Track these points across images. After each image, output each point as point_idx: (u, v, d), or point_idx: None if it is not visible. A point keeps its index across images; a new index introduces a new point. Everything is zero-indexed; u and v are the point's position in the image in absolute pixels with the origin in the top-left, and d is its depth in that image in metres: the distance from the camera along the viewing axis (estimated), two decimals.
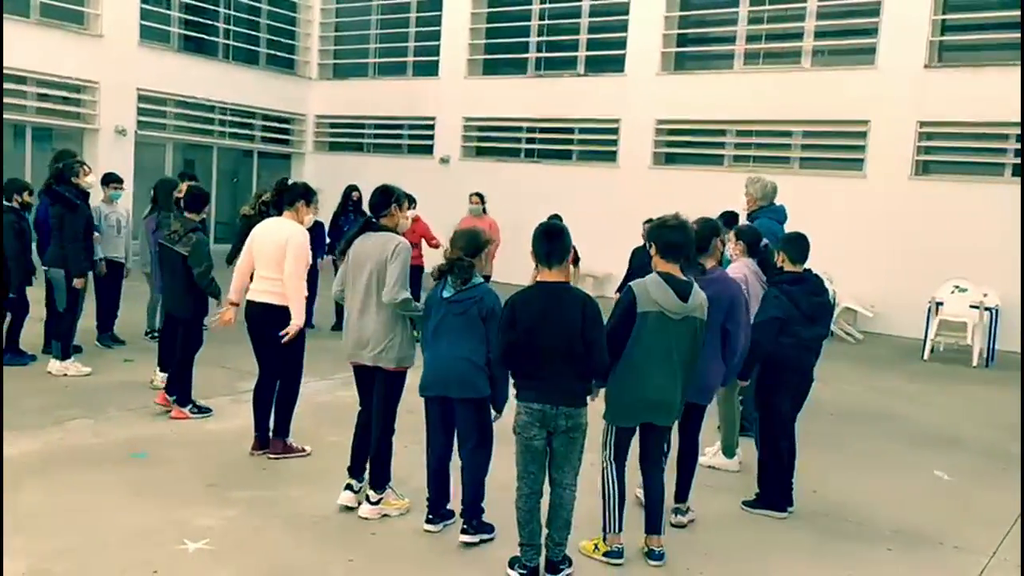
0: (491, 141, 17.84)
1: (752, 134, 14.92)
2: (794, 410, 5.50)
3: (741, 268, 6.21)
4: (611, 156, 16.15)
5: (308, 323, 10.02)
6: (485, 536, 4.49)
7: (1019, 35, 12.41)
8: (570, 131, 16.75)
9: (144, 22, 17.06)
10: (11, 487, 4.87)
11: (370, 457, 4.88)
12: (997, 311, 11.65)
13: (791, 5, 14.44)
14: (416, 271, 9.79)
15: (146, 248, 8.96)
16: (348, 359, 4.95)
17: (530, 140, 17.29)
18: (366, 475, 4.93)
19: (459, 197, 12.65)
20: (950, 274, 11.95)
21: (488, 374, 4.35)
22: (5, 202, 7.66)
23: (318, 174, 19.71)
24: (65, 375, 7.45)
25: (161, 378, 6.99)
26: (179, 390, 6.45)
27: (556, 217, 9.82)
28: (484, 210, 11.30)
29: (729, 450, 6.22)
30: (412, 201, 9.98)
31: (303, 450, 5.80)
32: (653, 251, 4.49)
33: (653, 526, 4.45)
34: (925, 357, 11.50)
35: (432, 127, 18.32)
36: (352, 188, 11.01)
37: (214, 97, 18.40)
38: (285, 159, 20.45)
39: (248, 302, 5.67)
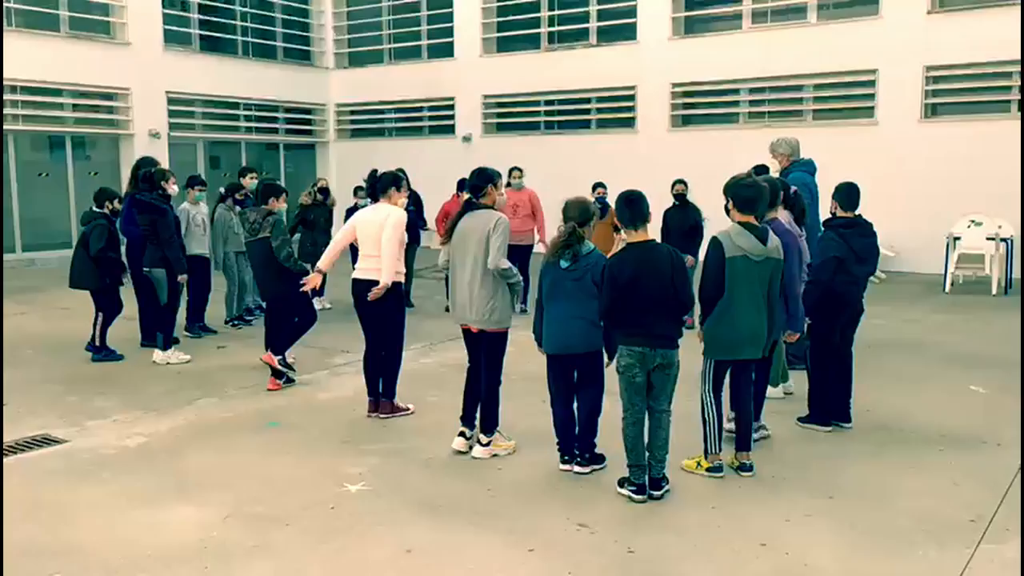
0: (511, 117, 18.47)
1: (765, 91, 15.53)
2: (849, 339, 6.22)
3: (783, 219, 6.90)
4: (629, 122, 16.77)
5: (408, 303, 10.85)
6: (597, 466, 5.23)
7: None
8: (587, 100, 17.36)
9: (167, 27, 17.68)
10: (177, 455, 5.66)
11: (480, 405, 5.61)
12: (1011, 242, 12.32)
13: None
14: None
15: (219, 243, 9.67)
16: (457, 322, 5.66)
17: (549, 112, 17.92)
18: (476, 423, 5.66)
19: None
20: (964, 210, 12.62)
21: (600, 328, 5.05)
22: (96, 208, 8.38)
23: (342, 161, 20.44)
24: (168, 363, 8.19)
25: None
26: (278, 344, 7.21)
27: (601, 185, 10.55)
28: (522, 184, 11.93)
29: (774, 380, 6.94)
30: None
31: (408, 409, 6.53)
32: (730, 205, 5.18)
33: (744, 443, 5.19)
34: (947, 290, 12.20)
35: (452, 107, 18.94)
36: (397, 172, 11.64)
37: (237, 94, 19.06)
38: (310, 149, 21.13)
39: (354, 280, 6.40)
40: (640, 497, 4.78)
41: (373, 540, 4.35)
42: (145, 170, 8.37)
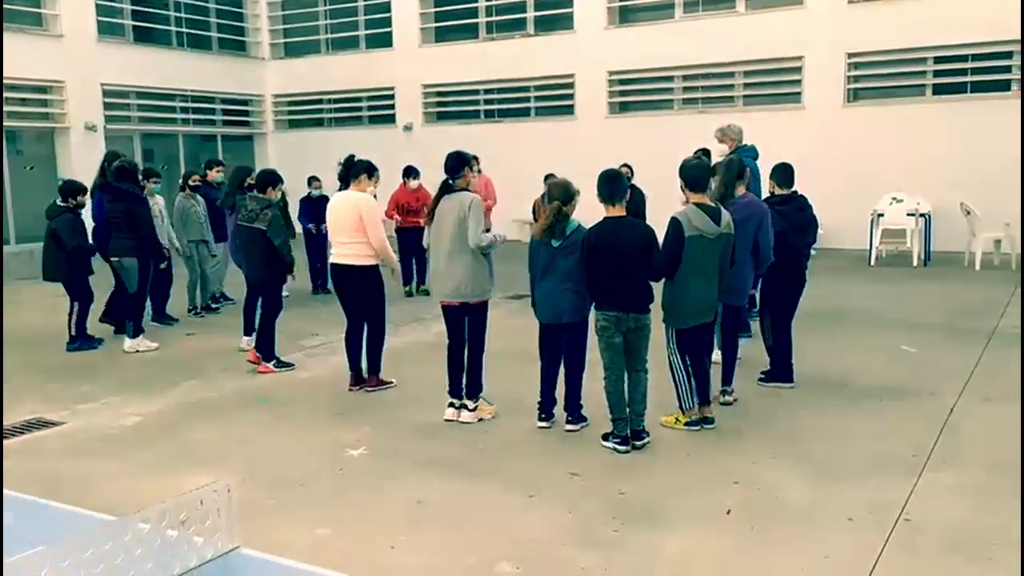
0: (451, 106, 18.78)
1: (697, 78, 16.19)
2: (793, 306, 6.80)
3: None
4: (568, 110, 17.27)
5: (324, 287, 11.09)
6: (584, 424, 5.69)
7: None
8: (526, 89, 17.79)
9: (100, 18, 17.44)
10: (180, 430, 5.92)
11: (466, 373, 6.00)
12: (929, 217, 13.23)
13: None
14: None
15: (181, 232, 9.79)
16: (439, 298, 6.04)
17: (488, 101, 18.28)
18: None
19: (426, 162, 13.65)
20: (885, 189, 13.48)
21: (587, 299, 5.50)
22: (61, 203, 8.46)
23: (281, 152, 20.46)
24: (137, 351, 8.33)
25: (247, 341, 7.98)
26: (264, 349, 7.46)
27: (551, 176, 10.96)
28: (479, 170, 12.27)
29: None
30: (415, 173, 11.07)
31: (391, 382, 6.89)
32: (684, 186, 5.68)
33: (704, 398, 5.70)
34: (872, 263, 13.04)
35: (392, 97, 19.15)
36: (349, 157, 11.89)
37: (173, 85, 18.86)
38: (247, 140, 21.05)
39: (332, 265, 6.72)
40: (624, 448, 5.25)
41: (384, 494, 4.72)
42: (120, 161, 8.47)
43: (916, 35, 14.02)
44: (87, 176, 11.74)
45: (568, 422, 5.68)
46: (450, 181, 5.96)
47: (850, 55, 14.75)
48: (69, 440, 5.77)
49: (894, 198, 13.24)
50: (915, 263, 12.86)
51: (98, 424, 6.10)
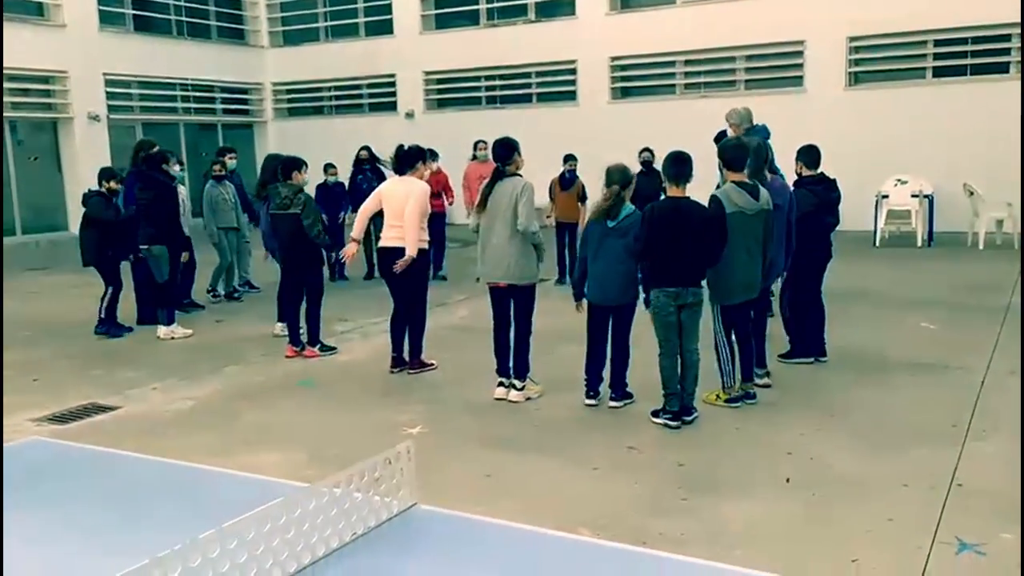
0: (453, 92, 18.87)
1: (699, 62, 16.35)
2: (820, 282, 7.00)
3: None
4: (571, 96, 17.40)
5: (342, 274, 11.23)
6: (628, 401, 5.88)
7: None
8: (528, 75, 17.90)
9: (101, 7, 17.39)
10: (231, 415, 6.06)
11: (513, 354, 6.17)
12: (932, 198, 13.49)
13: None
14: (439, 217, 10.96)
15: (210, 220, 9.89)
16: (487, 280, 6.19)
17: (490, 88, 18.39)
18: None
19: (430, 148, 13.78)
20: (887, 171, 13.72)
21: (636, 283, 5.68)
22: (95, 188, 8.55)
23: (280, 140, 20.44)
24: (172, 338, 8.44)
25: (280, 327, 8.11)
26: (311, 332, 7.59)
27: (572, 158, 11.11)
28: (488, 156, 12.38)
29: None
30: (435, 155, 11.15)
31: (433, 364, 7.04)
32: (723, 165, 5.87)
33: (747, 375, 5.90)
34: (877, 244, 13.29)
35: (393, 84, 19.21)
36: (362, 148, 12.04)
37: (173, 74, 18.86)
38: (247, 128, 21.05)
39: (380, 248, 6.87)
40: (675, 423, 5.44)
41: (453, 469, 4.88)
42: (148, 151, 8.55)
43: (916, 19, 14.24)
44: (92, 166, 11.79)
45: (612, 399, 5.87)
46: (502, 167, 6.10)
47: (851, 39, 14.96)
48: (130, 423, 5.89)
49: (898, 179, 13.48)
50: (919, 243, 13.12)
51: (154, 409, 6.23)
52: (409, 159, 6.81)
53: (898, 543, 3.88)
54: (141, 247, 8.45)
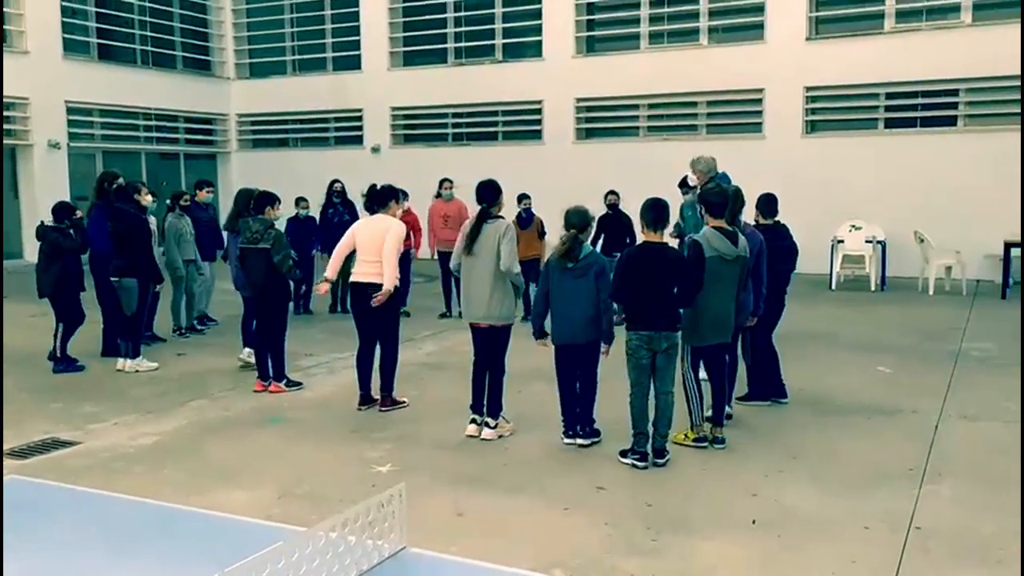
0: (420, 129, 19.03)
1: (662, 107, 16.73)
2: (772, 328, 7.19)
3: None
4: (536, 135, 17.66)
5: (307, 308, 11.22)
6: (595, 439, 5.96)
7: (882, 7, 14.70)
8: (494, 114, 18.13)
9: (65, 35, 17.30)
10: (197, 450, 6.01)
11: (487, 393, 6.22)
12: (885, 244, 13.89)
13: None
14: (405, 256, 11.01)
15: (174, 251, 9.81)
16: (468, 319, 6.25)
17: (456, 125, 18.58)
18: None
19: (395, 184, 13.83)
20: (844, 216, 14.11)
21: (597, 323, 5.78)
22: (53, 224, 8.45)
23: (244, 172, 20.42)
24: (137, 371, 8.34)
25: (247, 353, 8.09)
26: (276, 368, 7.56)
27: (526, 197, 11.21)
28: (452, 195, 12.49)
29: None
30: (405, 195, 11.19)
31: (404, 402, 7.05)
32: (705, 211, 6.04)
33: (718, 419, 6.02)
34: (833, 287, 13.63)
35: (360, 118, 19.32)
36: (333, 181, 12.08)
37: (137, 103, 18.78)
38: (211, 159, 20.97)
39: (352, 284, 6.90)
40: (643, 464, 5.53)
41: (425, 508, 4.87)
42: (112, 182, 8.51)
43: (869, 72, 14.77)
44: (50, 193, 11.62)
45: (580, 436, 5.95)
46: (488, 209, 6.19)
47: (808, 89, 15.43)
48: (91, 459, 5.81)
49: (853, 225, 13.88)
50: (873, 288, 13.48)
51: (116, 444, 6.15)
52: (382, 198, 6.89)
53: None
54: (111, 279, 8.38)
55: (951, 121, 14.74)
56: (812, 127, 15.67)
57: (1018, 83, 14.12)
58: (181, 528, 2.42)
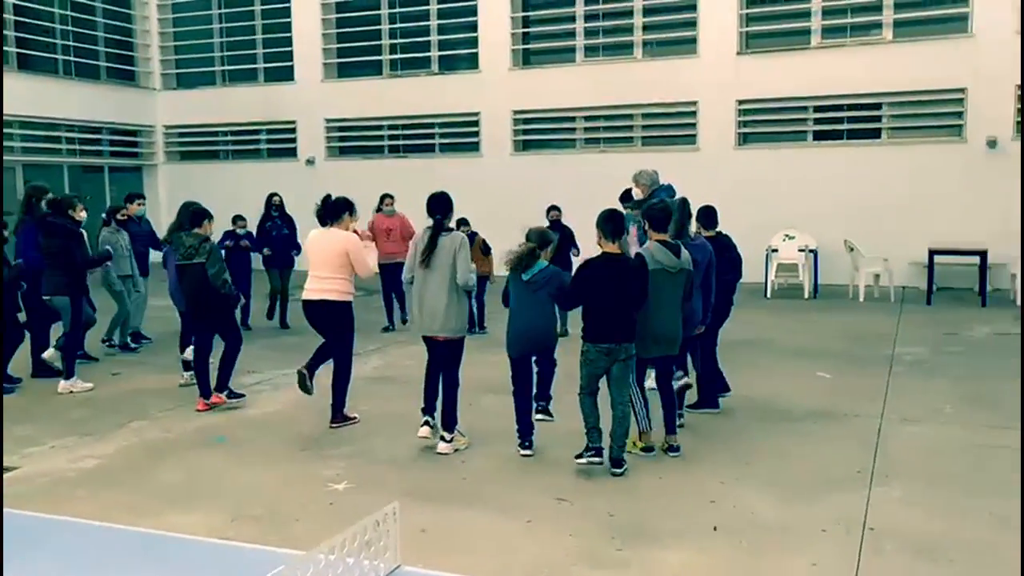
0: (355, 141, 18.84)
1: (599, 119, 16.91)
2: (715, 337, 7.32)
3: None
4: (474, 147, 17.66)
5: (245, 323, 10.98)
6: (548, 417, 6.13)
7: (809, 23, 15.17)
8: (431, 126, 18.08)
9: None
10: (142, 473, 5.80)
11: (441, 408, 6.17)
12: (817, 253, 14.28)
13: (620, 4, 16.49)
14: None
15: (111, 267, 9.48)
16: (422, 332, 6.19)
17: (393, 137, 18.46)
18: (437, 415, 6.23)
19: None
20: (778, 226, 14.46)
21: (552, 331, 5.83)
22: None
23: (172, 184, 19.95)
24: (71, 392, 8.02)
25: (187, 376, 7.86)
26: (222, 378, 7.37)
27: (465, 221, 11.17)
28: (394, 210, 12.31)
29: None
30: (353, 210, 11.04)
31: (355, 419, 6.92)
32: (647, 226, 6.11)
33: (671, 428, 6.08)
34: (768, 295, 13.94)
35: (294, 130, 19.04)
36: (272, 195, 11.87)
37: (59, 115, 18.16)
38: (136, 171, 20.39)
39: (306, 301, 6.76)
40: (599, 459, 5.56)
41: None
42: (42, 197, 8.20)
43: (798, 86, 15.19)
44: None
45: (539, 411, 6.11)
46: (442, 221, 6.15)
47: (740, 102, 15.79)
48: (31, 485, 5.56)
49: (786, 235, 14.23)
50: (806, 295, 13.83)
51: (55, 468, 5.90)
52: (336, 210, 6.77)
53: None
54: (44, 297, 8.07)
55: (876, 134, 15.26)
56: (744, 139, 16.03)
57: (934, 99, 14.78)
58: (167, 554, 2.33)
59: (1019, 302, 12.43)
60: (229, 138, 20.04)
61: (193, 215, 7.59)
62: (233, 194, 15.32)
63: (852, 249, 13.75)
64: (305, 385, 6.70)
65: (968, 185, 14.12)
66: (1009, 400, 7.29)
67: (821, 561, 4.33)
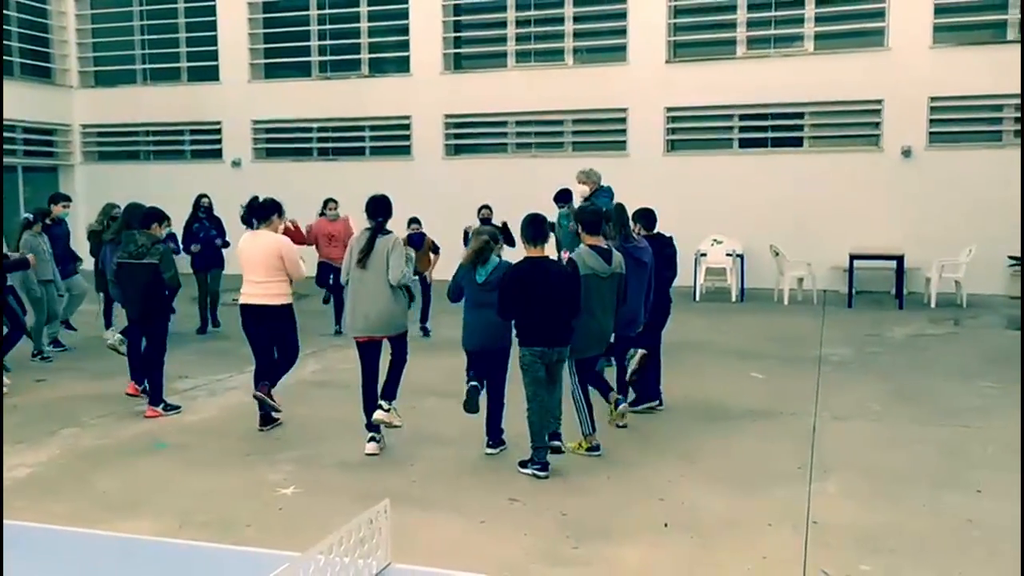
0: (283, 143, 18.54)
1: (530, 124, 17.04)
2: (659, 332, 7.49)
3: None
4: (405, 150, 17.57)
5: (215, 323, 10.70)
6: (503, 448, 6.03)
7: (735, 34, 15.60)
8: (362, 128, 17.92)
9: None
10: (83, 480, 5.62)
11: (386, 381, 6.11)
12: (743, 257, 14.68)
13: (552, 11, 16.66)
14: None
15: (33, 273, 9.12)
16: (359, 334, 6.14)
17: (322, 140, 18.23)
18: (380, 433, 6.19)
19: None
20: (706, 231, 14.81)
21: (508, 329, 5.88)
22: None
23: (90, 185, 19.30)
24: None
25: (111, 332, 7.72)
26: (152, 391, 7.17)
27: (416, 220, 11.17)
28: (338, 215, 12.13)
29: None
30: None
31: (278, 412, 6.76)
32: (580, 230, 6.21)
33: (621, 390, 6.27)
34: (697, 299, 14.25)
35: (219, 131, 18.61)
36: (201, 196, 11.62)
37: None
38: (52, 172, 19.65)
39: (242, 306, 6.63)
40: (544, 474, 5.61)
41: (335, 530, 4.77)
42: None
43: (724, 95, 15.60)
44: None
45: (489, 445, 6.00)
46: (382, 223, 6.13)
47: (668, 109, 16.12)
48: None
49: (714, 239, 14.58)
50: (733, 299, 14.20)
51: None
52: (264, 212, 6.66)
53: None
54: None
55: (798, 142, 15.77)
56: (673, 146, 16.36)
57: (852, 109, 15.36)
58: (154, 558, 2.27)
59: (933, 304, 13.02)
60: (151, 138, 19.48)
61: (145, 216, 7.40)
62: (155, 195, 14.73)
63: (777, 254, 14.17)
64: (269, 404, 6.59)
65: (884, 192, 14.72)
66: (929, 397, 7.65)
67: (771, 554, 4.47)
